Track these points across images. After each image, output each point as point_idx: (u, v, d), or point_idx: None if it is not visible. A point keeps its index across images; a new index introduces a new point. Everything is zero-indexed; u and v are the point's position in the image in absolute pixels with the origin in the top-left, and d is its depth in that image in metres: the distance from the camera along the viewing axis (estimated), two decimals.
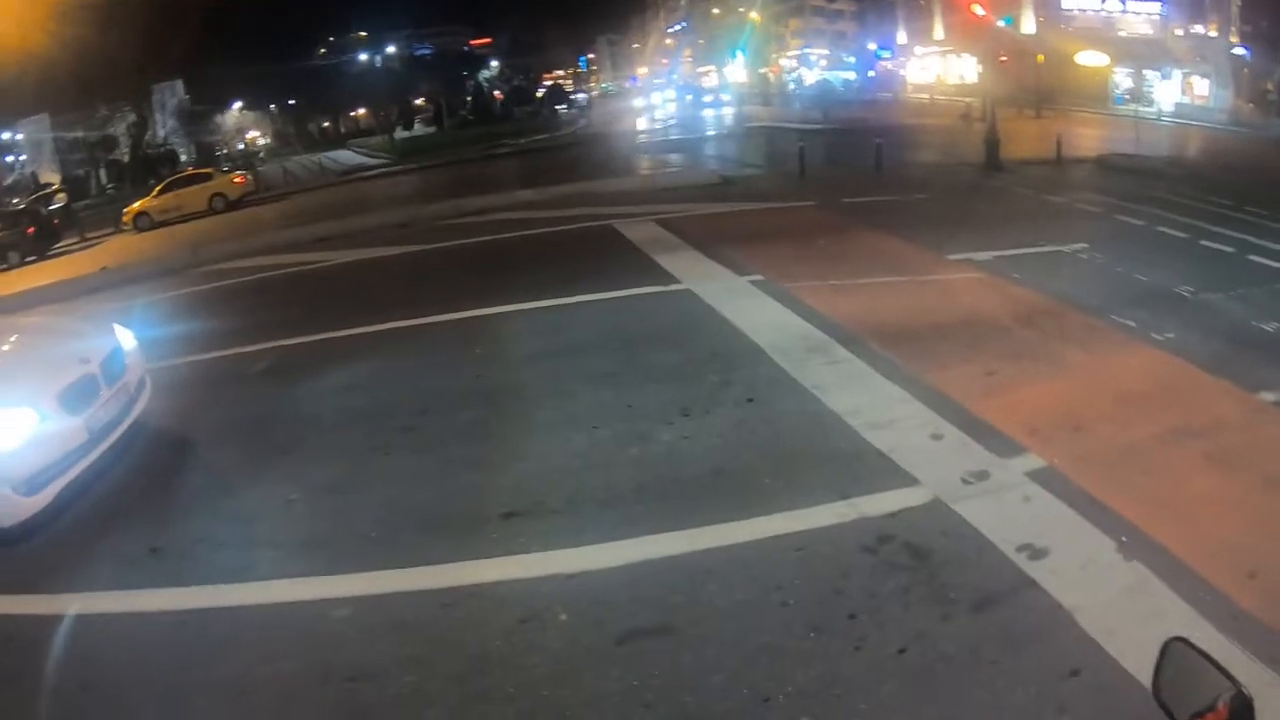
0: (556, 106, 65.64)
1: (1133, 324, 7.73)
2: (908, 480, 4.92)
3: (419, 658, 3.81)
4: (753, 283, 9.38)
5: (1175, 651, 1.40)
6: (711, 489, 5.05)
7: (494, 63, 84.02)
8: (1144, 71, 48.71)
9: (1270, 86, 51.27)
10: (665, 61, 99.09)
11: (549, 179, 21.03)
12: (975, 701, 3.30)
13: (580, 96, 77.35)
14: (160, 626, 4.31)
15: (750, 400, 6.31)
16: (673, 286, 9.54)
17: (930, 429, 5.57)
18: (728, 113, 41.59)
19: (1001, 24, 33.25)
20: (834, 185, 16.73)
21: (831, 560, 4.22)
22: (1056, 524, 4.46)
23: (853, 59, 71.10)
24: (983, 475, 4.95)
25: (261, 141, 69.76)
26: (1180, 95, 47.51)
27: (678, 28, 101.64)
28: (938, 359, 6.80)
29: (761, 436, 5.74)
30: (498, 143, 40.48)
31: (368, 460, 5.99)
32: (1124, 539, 4.34)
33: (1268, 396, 6.73)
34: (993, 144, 18.65)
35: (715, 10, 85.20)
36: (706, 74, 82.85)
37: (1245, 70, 50.10)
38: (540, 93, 78.00)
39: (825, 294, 8.70)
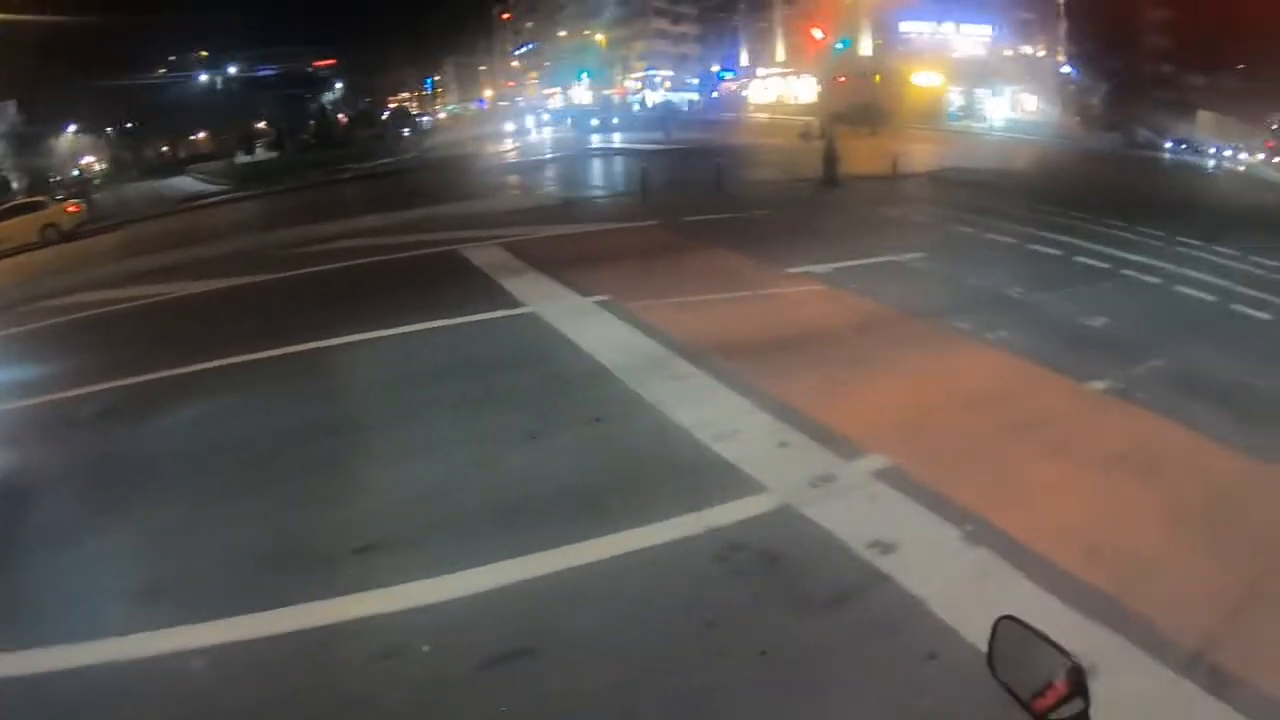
0: (402, 129, 64.66)
1: (968, 326, 8.24)
2: (756, 488, 5.06)
3: (281, 702, 3.66)
4: (597, 303, 9.47)
5: (1007, 630, 1.43)
6: (565, 510, 5.04)
7: (338, 85, 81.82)
8: (976, 90, 52.40)
9: (1094, 102, 56.51)
10: (512, 83, 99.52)
11: (394, 204, 20.69)
12: (838, 693, 3.44)
13: (425, 119, 76.50)
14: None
15: (598, 420, 6.35)
16: (518, 310, 9.52)
17: (776, 438, 5.75)
18: (582, 135, 42.13)
19: (839, 47, 35.01)
20: (676, 205, 17.12)
21: (686, 572, 4.29)
22: (904, 519, 4.70)
23: (696, 80, 73.46)
24: (829, 479, 5.14)
25: (98, 167, 65.71)
26: (1011, 111, 51.16)
27: (525, 50, 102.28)
28: (781, 369, 7.04)
29: (611, 455, 5.78)
30: (341, 167, 39.55)
31: (216, 501, 5.69)
32: (970, 528, 4.60)
33: (1097, 385, 7.29)
34: (830, 161, 19.59)
35: (562, 33, 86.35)
36: (552, 95, 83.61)
37: (1071, 88, 54.98)
38: (385, 115, 76.62)
39: (668, 311, 8.88)
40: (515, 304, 9.79)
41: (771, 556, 4.36)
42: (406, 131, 63.87)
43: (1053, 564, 4.37)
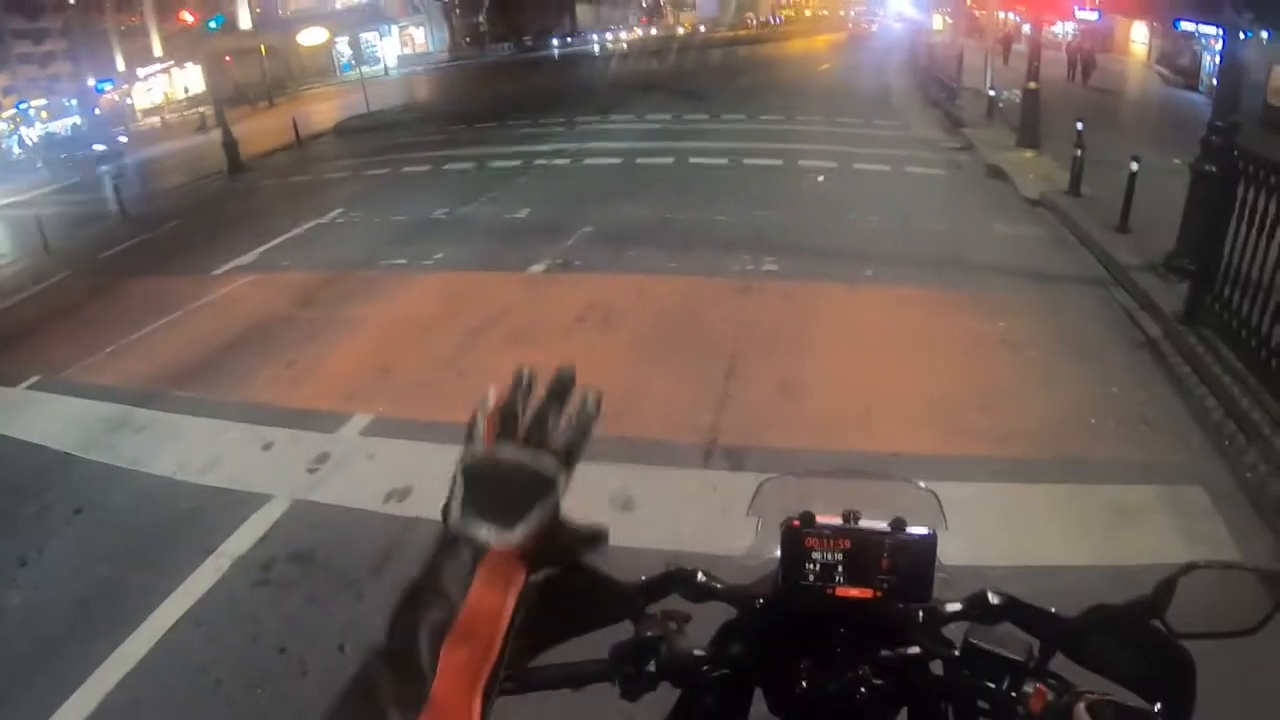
0: None
1: (405, 261, 8.51)
2: (260, 500, 4.87)
3: None
4: (29, 388, 8.22)
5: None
6: (85, 625, 4.40)
7: None
8: (363, 35, 52.49)
9: (481, 20, 59.66)
10: None
11: None
12: None
13: None
14: None
15: (79, 512, 5.62)
16: None
17: (259, 442, 5.56)
18: None
19: (212, 25, 32.98)
20: (85, 246, 15.20)
21: (234, 614, 4.07)
22: (409, 461, 4.85)
23: (75, 101, 64.24)
24: (324, 458, 5.12)
25: None
26: (402, 49, 52.12)
27: None
28: (238, 374, 6.78)
29: (107, 541, 5.12)
30: None
31: None
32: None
33: (538, 268, 8.01)
34: (231, 146, 18.69)
35: None
36: None
37: (456, 11, 57.32)
38: None
39: (109, 364, 8.00)
40: None
41: (304, 556, 4.27)
42: None
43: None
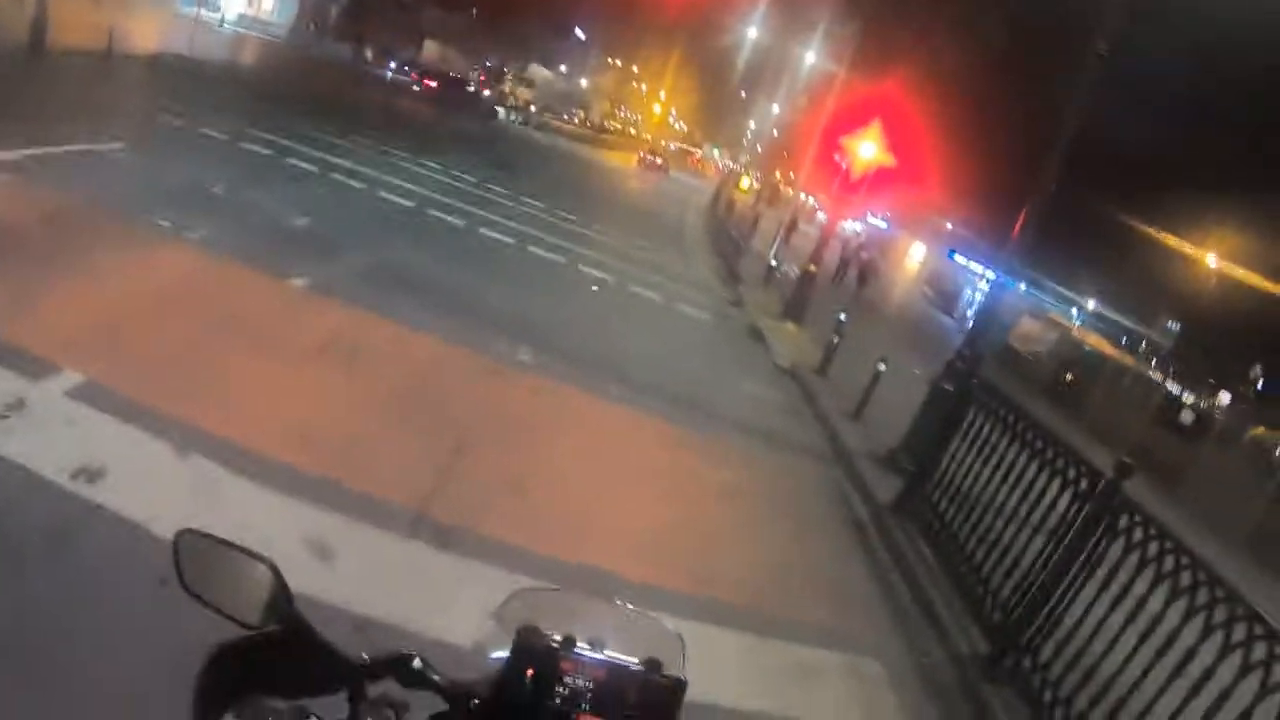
0: None
1: (168, 224, 7.69)
2: None
3: None
4: None
5: (188, 543, 1.23)
6: None
7: None
8: None
9: (333, 12, 56.25)
10: None
11: None
12: (88, 645, 3.02)
13: None
14: None
15: None
16: None
17: None
18: None
19: None
20: None
21: None
22: (109, 440, 4.27)
23: None
24: (18, 405, 4.32)
25: None
26: (246, 7, 48.72)
27: None
28: None
29: None
30: None
31: None
32: (181, 437, 4.41)
33: (299, 283, 7.58)
34: (40, 21, 16.38)
35: None
36: None
37: None
38: None
39: None
40: None
41: None
42: None
43: (269, 459, 4.48)
